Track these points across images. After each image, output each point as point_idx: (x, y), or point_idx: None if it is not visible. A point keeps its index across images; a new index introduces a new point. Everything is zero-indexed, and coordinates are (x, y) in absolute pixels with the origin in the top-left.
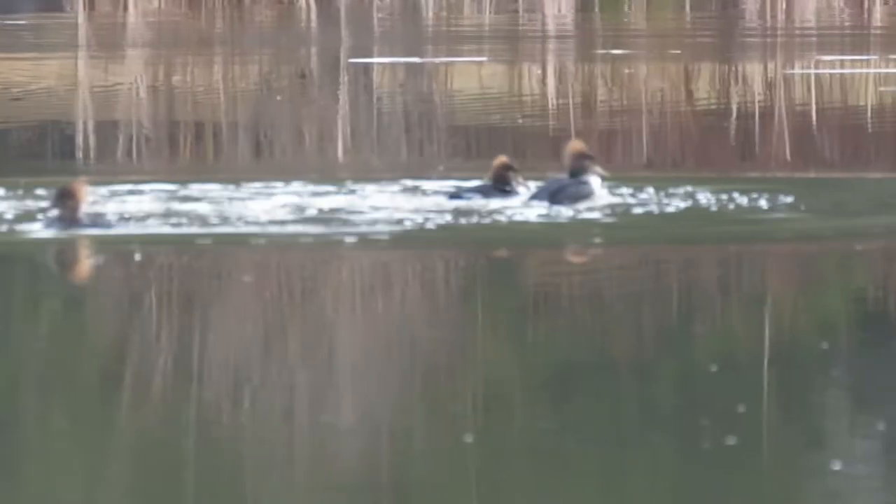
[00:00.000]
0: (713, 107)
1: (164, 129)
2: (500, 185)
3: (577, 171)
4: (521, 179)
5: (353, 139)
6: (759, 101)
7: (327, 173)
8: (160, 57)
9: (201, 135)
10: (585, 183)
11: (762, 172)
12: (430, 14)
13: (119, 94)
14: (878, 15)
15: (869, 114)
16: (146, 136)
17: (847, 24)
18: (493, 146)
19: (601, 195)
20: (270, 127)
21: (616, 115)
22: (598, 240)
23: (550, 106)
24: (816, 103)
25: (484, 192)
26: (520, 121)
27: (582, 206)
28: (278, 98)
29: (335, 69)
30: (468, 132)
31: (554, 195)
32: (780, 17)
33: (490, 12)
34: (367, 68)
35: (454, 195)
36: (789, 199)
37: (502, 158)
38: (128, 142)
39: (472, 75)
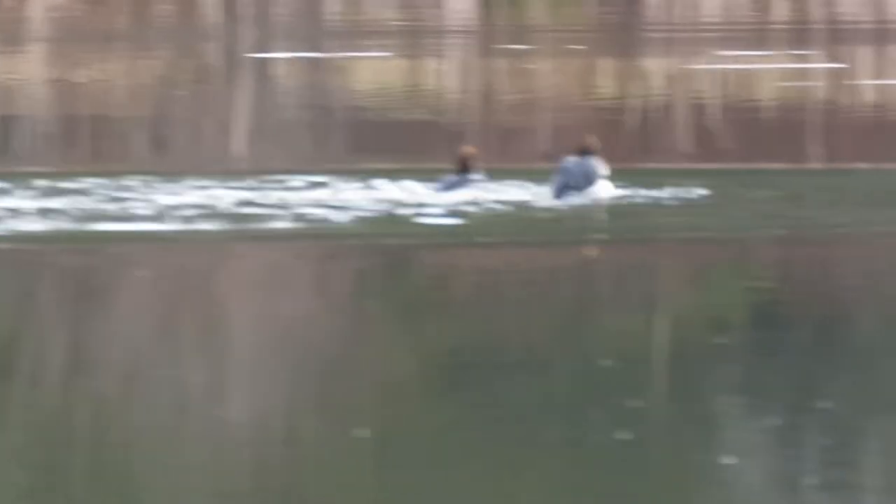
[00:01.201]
0: (614, 101)
1: (64, 124)
2: (465, 174)
3: (466, 170)
4: (480, 167)
5: (254, 134)
6: (660, 96)
7: (227, 167)
8: (61, 51)
9: (101, 130)
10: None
11: (663, 164)
12: (332, 9)
13: (19, 89)
14: (778, 11)
15: (769, 108)
16: (45, 131)
17: (748, 19)
18: (394, 140)
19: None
20: (171, 121)
21: (517, 110)
22: (486, 238)
23: (451, 101)
24: (717, 98)
25: (452, 184)
26: (420, 115)
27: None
28: (179, 93)
29: (238, 64)
30: (369, 127)
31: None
32: (682, 12)
33: (391, 7)
34: (267, 63)
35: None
36: (691, 193)
37: (467, 148)
38: (27, 136)
39: (373, 70)
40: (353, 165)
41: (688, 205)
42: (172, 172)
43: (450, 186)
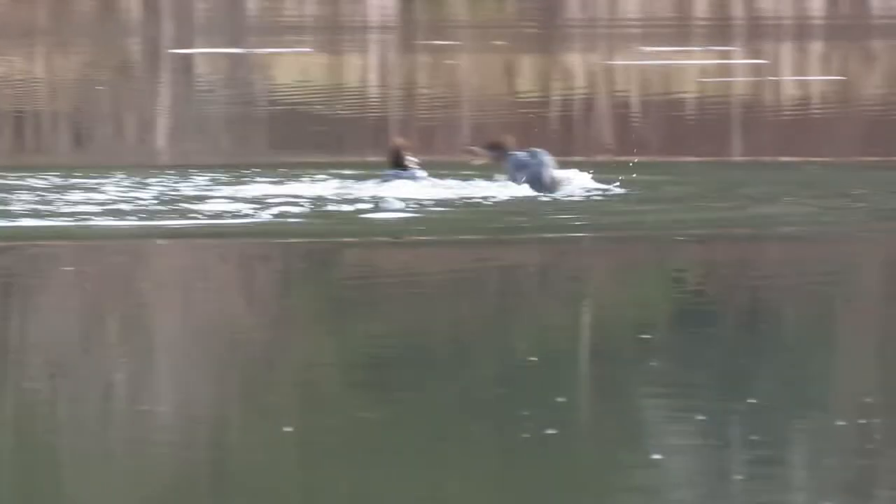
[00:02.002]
0: (536, 97)
1: None
2: (401, 168)
3: (398, 165)
4: (414, 158)
5: (175, 129)
6: (581, 92)
7: (148, 162)
8: None
9: (21, 125)
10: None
11: (585, 158)
12: (252, 5)
13: None
14: (699, 7)
15: (691, 104)
16: None
17: (669, 16)
18: (316, 136)
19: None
20: (92, 116)
21: (438, 106)
22: (411, 234)
23: (372, 96)
24: (639, 93)
25: (392, 178)
26: (341, 111)
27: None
28: (100, 88)
29: (157, 60)
30: (290, 122)
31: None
32: (603, 8)
33: (312, 3)
34: (189, 59)
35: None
36: (616, 188)
37: (398, 140)
38: None
39: (294, 66)
40: (273, 160)
41: (620, 199)
42: (94, 167)
43: (389, 180)
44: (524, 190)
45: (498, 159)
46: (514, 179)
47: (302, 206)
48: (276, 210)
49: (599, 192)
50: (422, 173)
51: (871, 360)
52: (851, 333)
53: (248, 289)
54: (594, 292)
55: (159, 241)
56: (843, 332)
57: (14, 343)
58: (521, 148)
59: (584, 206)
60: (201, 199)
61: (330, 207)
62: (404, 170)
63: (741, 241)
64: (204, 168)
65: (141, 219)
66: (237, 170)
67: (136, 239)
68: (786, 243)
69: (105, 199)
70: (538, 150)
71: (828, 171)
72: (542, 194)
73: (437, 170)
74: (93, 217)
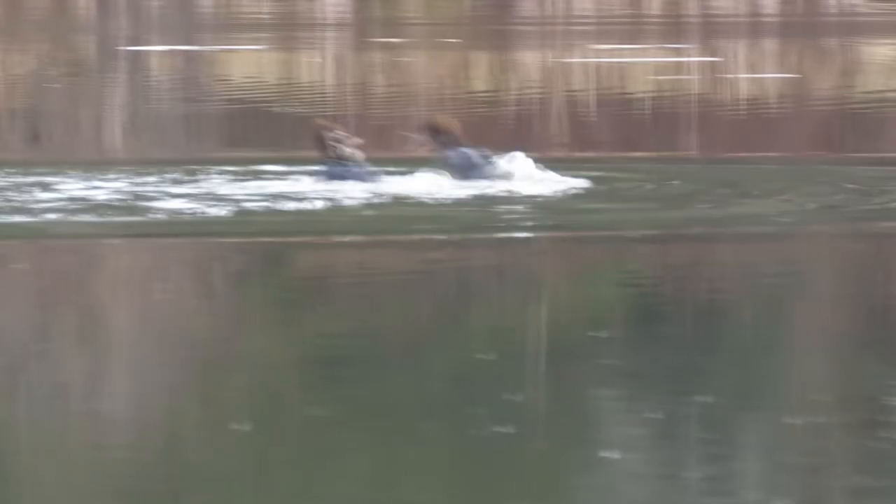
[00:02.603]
0: (489, 94)
1: None
2: (330, 154)
3: (324, 147)
4: (340, 135)
5: (129, 126)
6: (536, 89)
7: (102, 159)
8: None
9: None
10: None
11: (538, 155)
12: (205, 2)
13: None
14: (652, 4)
15: (644, 101)
16: None
17: (622, 13)
18: (270, 133)
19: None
20: (46, 114)
21: (393, 103)
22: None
23: (326, 93)
24: (592, 91)
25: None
26: (297, 109)
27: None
28: (54, 85)
29: (112, 57)
30: (243, 119)
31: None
32: (556, 5)
33: (265, 0)
34: (143, 56)
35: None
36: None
37: (317, 120)
38: None
39: (247, 63)
40: (227, 156)
41: (576, 197)
42: (49, 164)
43: (336, 176)
44: (462, 181)
45: (441, 145)
46: (457, 173)
47: (259, 202)
48: (231, 207)
49: (559, 190)
50: (362, 166)
51: (819, 358)
52: (801, 333)
53: (200, 288)
54: (545, 292)
55: (113, 240)
56: (793, 332)
57: None
58: (470, 144)
59: (544, 203)
60: (155, 196)
61: (285, 205)
62: (339, 160)
63: (695, 240)
64: (158, 165)
65: (98, 216)
66: (191, 166)
67: (89, 238)
68: (742, 243)
69: (59, 197)
70: (489, 153)
71: (783, 168)
72: (480, 180)
73: (388, 166)
74: (46, 214)
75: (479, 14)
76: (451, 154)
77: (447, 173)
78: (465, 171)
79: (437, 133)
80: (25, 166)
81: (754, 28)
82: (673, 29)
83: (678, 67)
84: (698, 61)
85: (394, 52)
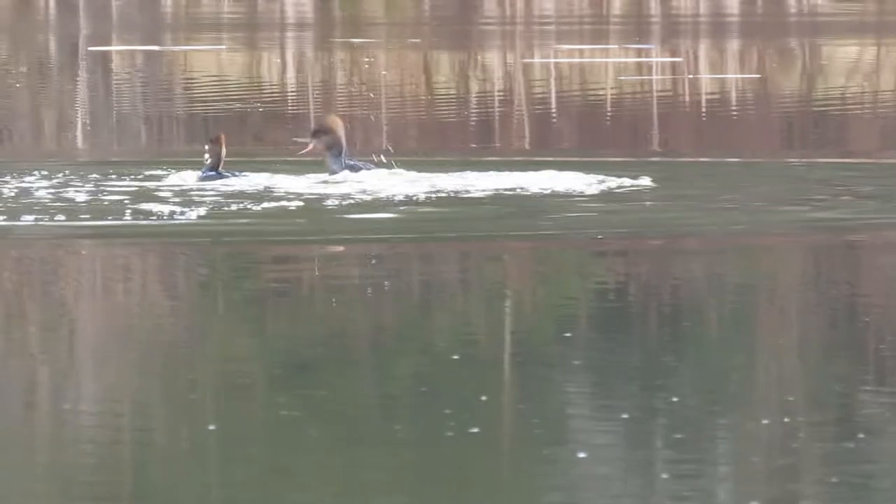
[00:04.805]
0: (453, 94)
1: None
2: (215, 165)
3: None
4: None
5: (92, 127)
6: (498, 90)
7: (66, 160)
8: None
9: None
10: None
11: (502, 157)
12: (168, 1)
13: None
14: (615, 4)
15: (608, 101)
16: None
17: (585, 13)
18: (232, 133)
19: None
20: (9, 114)
21: (355, 103)
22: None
23: (288, 93)
24: (556, 91)
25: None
26: (259, 108)
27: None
28: (16, 84)
29: (74, 57)
30: (207, 119)
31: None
32: (518, 6)
33: (228, 0)
34: (105, 56)
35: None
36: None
37: (215, 135)
38: None
39: (210, 63)
40: (190, 157)
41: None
42: (11, 164)
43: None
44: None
45: (329, 146)
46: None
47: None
48: (201, 209)
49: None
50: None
51: (788, 361)
52: (767, 339)
53: (167, 291)
54: (519, 293)
55: (81, 242)
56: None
57: None
58: (350, 152)
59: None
60: (122, 195)
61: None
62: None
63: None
64: (121, 165)
65: (67, 218)
66: (154, 166)
67: (59, 239)
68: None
69: (17, 197)
70: (372, 164)
71: (747, 169)
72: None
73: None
74: (9, 216)
75: (440, 14)
76: (334, 164)
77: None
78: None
79: (323, 134)
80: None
81: (716, 28)
82: (635, 29)
83: (640, 68)
84: (660, 61)
85: (355, 53)
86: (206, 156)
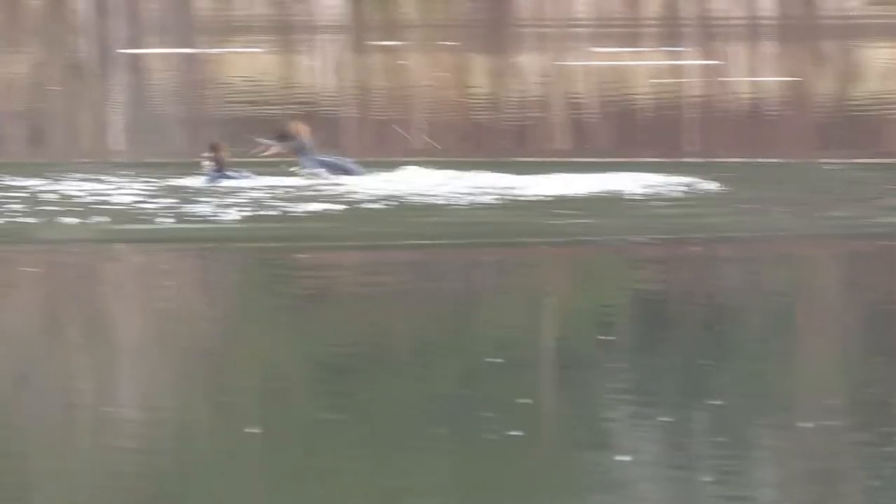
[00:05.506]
0: (488, 97)
1: None
2: (218, 168)
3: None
4: (215, 158)
5: (129, 128)
6: (534, 92)
7: (103, 162)
8: None
9: None
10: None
11: (538, 159)
12: (202, 4)
13: None
14: (650, 8)
15: (643, 104)
16: None
17: (620, 16)
18: (266, 135)
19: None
20: (46, 116)
21: (390, 105)
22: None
23: (324, 96)
24: (592, 94)
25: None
26: (293, 110)
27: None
28: (53, 88)
29: (108, 59)
30: (241, 121)
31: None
32: (554, 9)
33: (261, 3)
34: (140, 58)
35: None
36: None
37: (215, 142)
38: None
39: (245, 65)
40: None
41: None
42: (49, 167)
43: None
44: (327, 176)
45: (292, 150)
46: (316, 170)
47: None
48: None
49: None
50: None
51: (834, 367)
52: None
53: (209, 294)
54: (558, 295)
55: (118, 245)
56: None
57: None
58: (320, 147)
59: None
60: (157, 196)
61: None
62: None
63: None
64: (157, 167)
65: (104, 220)
66: (189, 169)
67: (97, 243)
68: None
69: (60, 200)
70: (343, 157)
71: (782, 170)
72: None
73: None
74: (47, 218)
75: (475, 17)
76: (307, 162)
77: (307, 171)
78: (334, 171)
79: (286, 138)
80: (27, 169)
81: (751, 31)
82: (671, 32)
83: (677, 71)
84: (697, 64)
85: (391, 55)
86: (207, 163)
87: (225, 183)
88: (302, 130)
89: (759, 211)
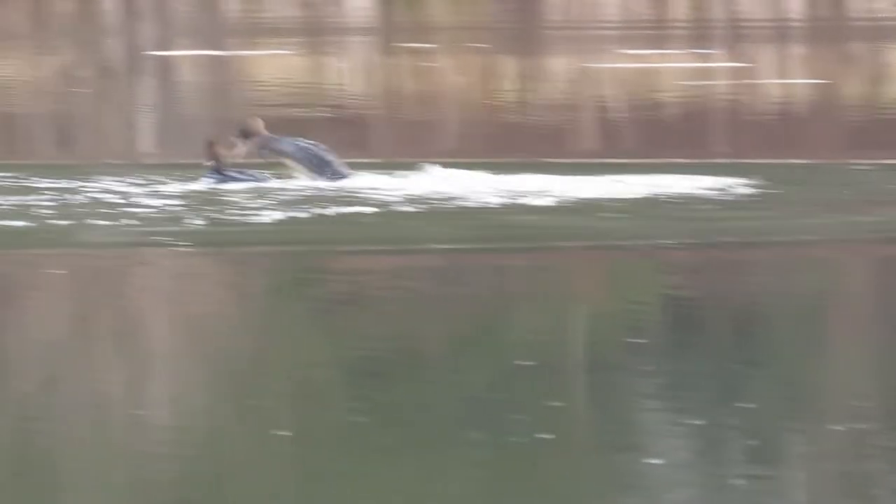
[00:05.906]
0: (517, 99)
1: None
2: (218, 167)
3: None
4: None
5: (158, 130)
6: (562, 94)
7: (132, 164)
8: None
9: (5, 127)
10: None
11: (568, 160)
12: (231, 6)
13: None
14: (678, 10)
15: (672, 106)
16: None
17: (648, 18)
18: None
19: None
20: (75, 118)
21: (419, 108)
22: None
23: (353, 98)
24: (620, 96)
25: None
26: (323, 112)
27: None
28: (82, 90)
29: (137, 61)
30: (271, 123)
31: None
32: (582, 11)
33: (291, 5)
34: (169, 60)
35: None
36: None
37: (210, 139)
38: None
39: (274, 67)
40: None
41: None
42: (78, 168)
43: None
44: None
45: (258, 146)
46: (305, 167)
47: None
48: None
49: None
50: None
51: (866, 371)
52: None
53: (238, 296)
54: (587, 298)
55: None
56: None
57: None
58: (284, 135)
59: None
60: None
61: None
62: (226, 171)
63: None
64: (187, 168)
65: (135, 223)
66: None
67: (129, 246)
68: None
69: (88, 203)
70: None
71: (808, 171)
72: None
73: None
74: (78, 219)
75: (504, 19)
76: (284, 149)
77: (299, 173)
78: (312, 163)
79: (248, 136)
80: (56, 170)
81: (780, 33)
82: (699, 34)
83: (705, 73)
84: (725, 66)
85: (420, 57)
86: (207, 163)
87: (228, 186)
88: (259, 125)
89: (795, 214)
